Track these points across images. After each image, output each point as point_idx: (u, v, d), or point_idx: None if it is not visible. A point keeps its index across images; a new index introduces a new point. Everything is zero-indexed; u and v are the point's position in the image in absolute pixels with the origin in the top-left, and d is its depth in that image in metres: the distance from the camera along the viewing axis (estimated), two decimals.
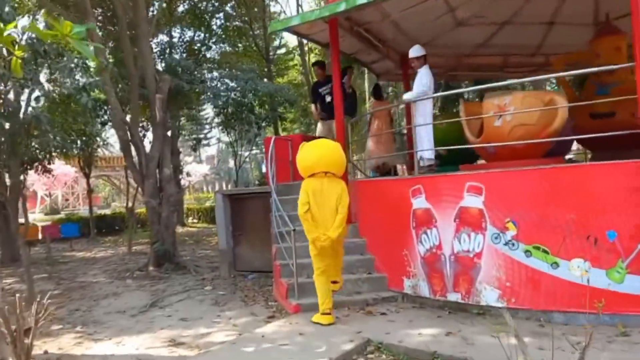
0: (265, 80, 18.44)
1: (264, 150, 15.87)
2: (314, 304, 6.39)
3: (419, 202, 6.44)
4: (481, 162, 8.20)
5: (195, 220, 27.45)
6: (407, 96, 8.04)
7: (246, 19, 21.07)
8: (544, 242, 5.41)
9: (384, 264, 7.11)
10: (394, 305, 6.52)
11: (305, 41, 21.47)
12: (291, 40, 27.10)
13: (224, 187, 46.27)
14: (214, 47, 21.09)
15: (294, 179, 9.42)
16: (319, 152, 6.11)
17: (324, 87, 9.94)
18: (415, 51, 7.89)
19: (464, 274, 5.96)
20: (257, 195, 9.77)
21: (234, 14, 20.47)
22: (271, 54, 24.26)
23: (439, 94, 9.42)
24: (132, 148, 11.64)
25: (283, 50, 27.73)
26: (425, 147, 7.52)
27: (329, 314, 5.92)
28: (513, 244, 5.58)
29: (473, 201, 5.89)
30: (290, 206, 8.21)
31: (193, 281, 9.77)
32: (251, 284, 9.02)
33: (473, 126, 7.17)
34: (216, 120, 16.69)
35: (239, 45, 22.45)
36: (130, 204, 16.70)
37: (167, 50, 18.01)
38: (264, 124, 16.50)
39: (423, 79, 7.65)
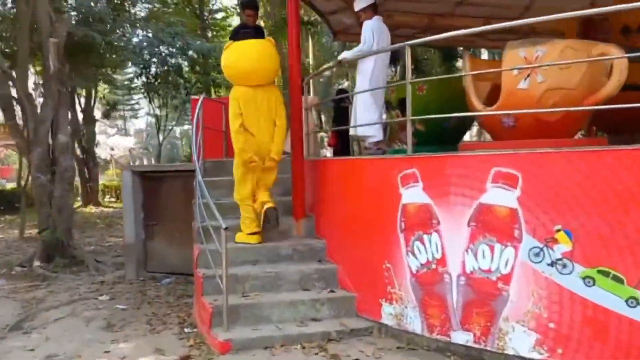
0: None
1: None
2: (252, 339, 4.30)
3: (412, 194, 4.39)
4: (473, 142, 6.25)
5: (113, 199, 24.39)
6: (343, 55, 6.12)
7: None
8: (616, 266, 3.47)
9: (353, 278, 5.04)
10: (369, 341, 4.48)
11: None
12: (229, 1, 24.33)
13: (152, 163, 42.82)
14: (140, 2, 18.22)
15: (228, 155, 7.20)
16: (243, 48, 5.37)
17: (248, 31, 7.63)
18: (358, 2, 6.03)
19: (481, 305, 3.98)
20: (179, 175, 7.44)
21: None
22: (206, 17, 21.50)
23: (388, 48, 6.84)
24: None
25: (220, 15, 24.88)
26: (366, 119, 5.72)
27: (258, 233, 5.46)
28: (564, 265, 3.63)
29: (501, 196, 3.89)
30: (223, 191, 6.03)
31: (87, 284, 7.35)
32: (165, 293, 6.73)
33: (481, 90, 5.20)
34: (136, 82, 13.97)
35: (169, 1, 19.63)
36: (23, 179, 13.74)
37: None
38: (193, 91, 14.01)
39: (366, 33, 5.79)
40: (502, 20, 9.67)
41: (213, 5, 22.76)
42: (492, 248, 3.92)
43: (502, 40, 10.35)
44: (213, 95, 15.42)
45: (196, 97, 8.34)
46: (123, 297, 6.61)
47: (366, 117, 5.84)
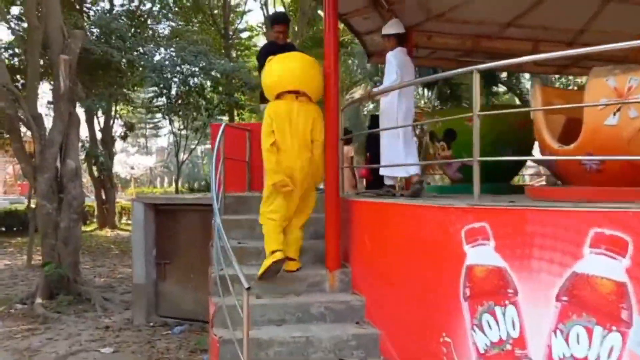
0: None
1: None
2: None
3: (481, 254, 3.53)
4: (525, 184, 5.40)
5: (130, 222, 23.76)
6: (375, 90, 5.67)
7: None
8: None
9: (399, 349, 4.16)
10: None
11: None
12: (255, 18, 23.82)
13: (174, 183, 42.34)
14: (163, 20, 17.75)
15: (252, 187, 6.43)
16: (286, 66, 4.81)
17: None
18: (386, 28, 5.50)
19: None
20: (196, 208, 6.66)
21: None
22: (232, 36, 21.00)
23: (411, 82, 5.71)
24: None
25: (246, 35, 24.39)
26: (393, 160, 5.12)
27: (280, 250, 4.61)
28: None
29: (604, 266, 3.01)
30: (245, 232, 5.26)
31: (91, 330, 6.58)
32: (176, 345, 5.93)
33: (554, 124, 4.37)
34: (156, 102, 13.30)
35: (194, 20, 19.17)
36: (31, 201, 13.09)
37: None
38: (216, 112, 13.31)
39: (390, 68, 5.19)
40: (553, 43, 8.95)
41: (238, 24, 22.30)
42: (590, 331, 3.04)
43: (550, 65, 9.63)
44: (236, 119, 14.77)
45: (217, 122, 7.57)
46: (129, 349, 5.81)
47: (393, 158, 5.16)
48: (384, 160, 5.36)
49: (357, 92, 13.47)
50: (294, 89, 4.70)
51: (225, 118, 17.03)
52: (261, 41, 19.99)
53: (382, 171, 5.41)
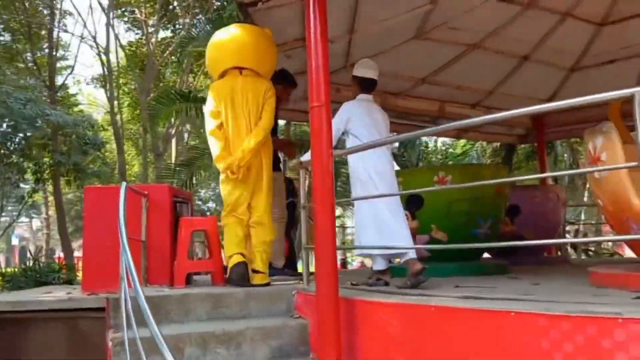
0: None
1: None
2: None
3: None
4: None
5: None
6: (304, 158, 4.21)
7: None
8: None
9: None
10: None
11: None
12: (83, 70, 20.88)
13: None
14: None
15: (150, 280, 4.48)
16: (222, 40, 4.53)
17: None
18: (358, 68, 4.37)
19: None
20: (57, 317, 4.36)
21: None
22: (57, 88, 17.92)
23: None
24: None
25: (75, 90, 21.18)
26: (368, 239, 3.85)
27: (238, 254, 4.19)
28: None
29: None
30: None
31: None
32: None
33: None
34: None
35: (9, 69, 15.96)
36: None
37: None
38: (47, 176, 10.52)
39: (336, 117, 3.99)
40: (459, 104, 8.45)
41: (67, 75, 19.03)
42: None
43: (452, 130, 9.08)
44: (72, 182, 11.95)
45: (93, 186, 5.46)
46: None
47: (363, 237, 3.86)
48: (358, 237, 3.93)
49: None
50: (234, 65, 4.40)
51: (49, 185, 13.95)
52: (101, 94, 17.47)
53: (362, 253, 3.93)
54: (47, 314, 4.36)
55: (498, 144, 11.06)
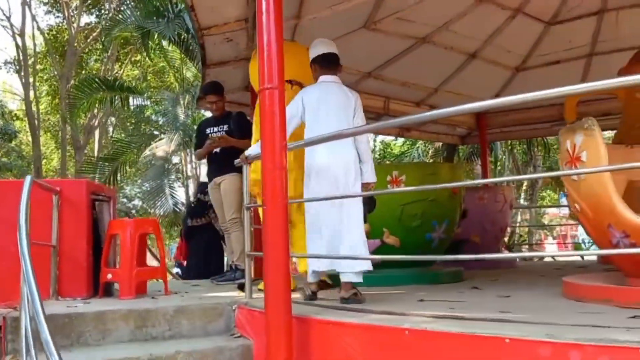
0: None
1: None
2: None
3: None
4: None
5: None
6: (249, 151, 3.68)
7: None
8: None
9: None
10: None
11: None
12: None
13: None
14: None
15: (61, 292, 3.81)
16: None
17: (214, 128, 5.28)
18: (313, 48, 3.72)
19: None
20: None
21: None
22: None
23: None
24: None
25: None
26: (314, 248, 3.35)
27: None
28: None
29: None
30: None
31: None
32: None
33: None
34: None
35: None
36: None
37: None
38: None
39: (291, 104, 3.44)
40: (402, 102, 8.15)
41: None
42: None
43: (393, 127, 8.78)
44: None
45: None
46: None
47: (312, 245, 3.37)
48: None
49: (161, 149, 11.00)
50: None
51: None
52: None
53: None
54: None
55: (440, 144, 10.93)
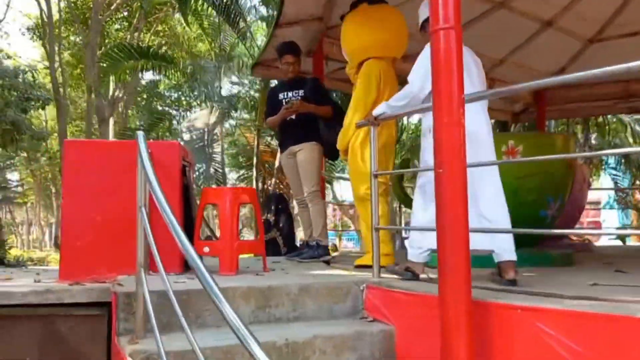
0: None
1: None
2: None
3: None
4: None
5: None
6: (379, 109, 3.24)
7: None
8: None
9: None
10: None
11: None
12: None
13: None
14: None
15: (154, 268, 3.38)
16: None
17: (288, 93, 4.78)
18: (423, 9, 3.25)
19: None
20: (21, 316, 3.22)
21: None
22: None
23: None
24: None
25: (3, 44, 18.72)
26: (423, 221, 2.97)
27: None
28: None
29: None
30: None
31: None
32: None
33: None
34: None
35: None
36: None
37: None
38: None
39: (418, 65, 3.05)
40: None
41: None
42: None
43: None
44: None
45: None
46: None
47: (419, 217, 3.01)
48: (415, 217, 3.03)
49: (200, 120, 10.52)
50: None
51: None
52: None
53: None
54: (9, 310, 3.21)
55: (492, 120, 10.38)
